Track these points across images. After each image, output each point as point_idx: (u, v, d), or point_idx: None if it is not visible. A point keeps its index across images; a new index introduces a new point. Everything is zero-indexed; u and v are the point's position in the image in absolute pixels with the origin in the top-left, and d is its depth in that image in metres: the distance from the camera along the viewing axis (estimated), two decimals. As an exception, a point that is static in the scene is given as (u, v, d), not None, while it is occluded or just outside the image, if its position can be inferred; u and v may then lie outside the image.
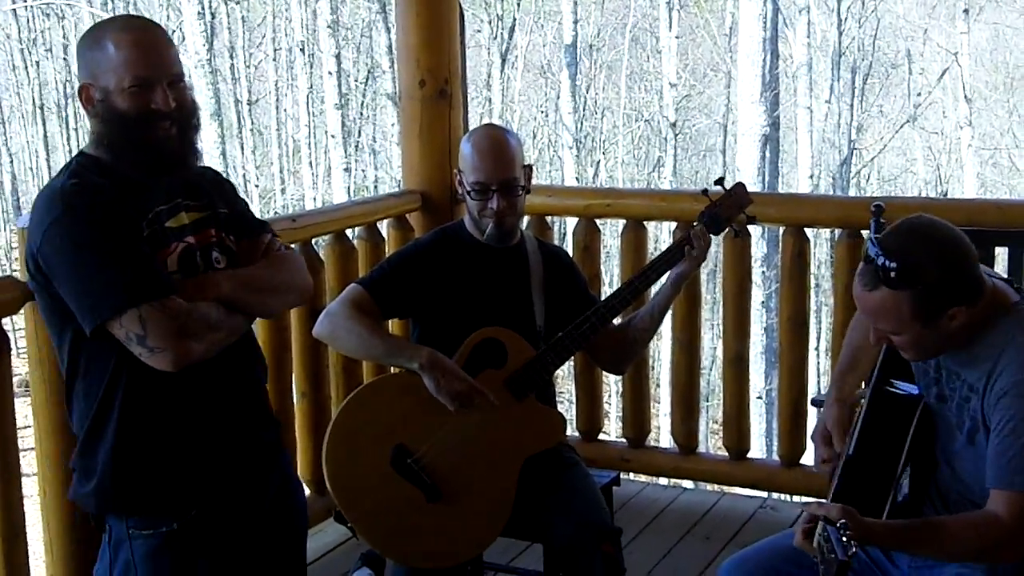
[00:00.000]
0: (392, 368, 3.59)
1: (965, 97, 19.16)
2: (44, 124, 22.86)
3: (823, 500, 2.40)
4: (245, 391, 2.61)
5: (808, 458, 4.40)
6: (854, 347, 2.85)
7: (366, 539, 3.08)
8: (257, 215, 2.81)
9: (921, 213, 2.41)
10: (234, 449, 2.55)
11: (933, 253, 2.33)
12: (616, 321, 3.32)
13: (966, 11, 19.00)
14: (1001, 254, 3.78)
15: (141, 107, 2.36)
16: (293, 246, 4.03)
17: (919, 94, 21.33)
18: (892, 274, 2.30)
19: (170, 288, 2.35)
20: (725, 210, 3.23)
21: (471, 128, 4.16)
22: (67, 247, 2.30)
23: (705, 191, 3.24)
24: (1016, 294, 2.48)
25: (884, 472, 2.50)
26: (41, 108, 22.82)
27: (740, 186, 3.28)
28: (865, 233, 3.96)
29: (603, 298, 3.25)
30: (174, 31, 20.45)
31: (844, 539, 2.12)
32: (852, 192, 19.51)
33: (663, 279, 3.26)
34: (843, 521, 2.17)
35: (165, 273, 2.38)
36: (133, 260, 2.32)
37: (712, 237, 3.22)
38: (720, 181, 3.26)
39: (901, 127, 21.44)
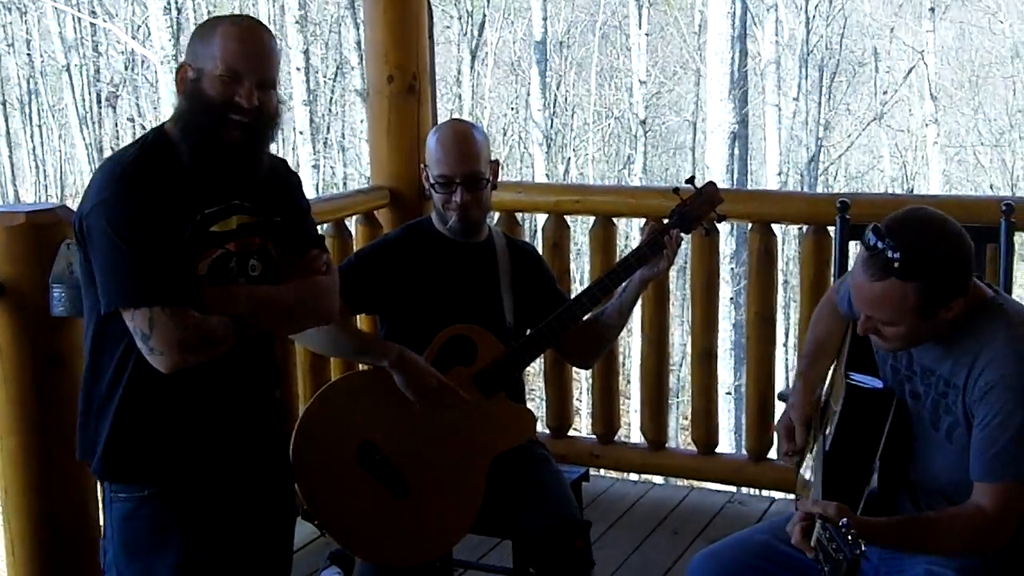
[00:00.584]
0: (360, 365, 3.58)
1: (931, 95, 19.30)
2: (7, 120, 22.62)
3: (818, 499, 2.38)
4: (249, 370, 2.62)
5: (775, 452, 4.43)
6: (818, 341, 2.85)
7: (333, 536, 3.08)
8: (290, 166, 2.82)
9: (919, 205, 2.41)
10: (227, 428, 2.57)
11: (942, 245, 2.33)
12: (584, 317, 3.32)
13: (932, 10, 19.14)
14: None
15: (225, 96, 2.43)
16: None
17: (885, 92, 21.45)
18: (898, 264, 2.29)
19: (188, 297, 2.38)
20: (696, 208, 3.23)
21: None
22: (107, 229, 2.35)
23: (676, 190, 3.24)
24: (989, 289, 2.49)
25: (860, 468, 2.51)
26: (3, 104, 22.59)
27: (711, 185, 3.28)
28: (831, 229, 3.98)
29: (573, 295, 3.25)
30: (139, 27, 20.38)
31: (850, 538, 2.10)
32: (820, 189, 19.59)
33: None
34: (845, 520, 2.15)
35: (191, 279, 2.41)
36: (162, 260, 2.36)
37: (682, 236, 3.23)
38: (691, 180, 3.27)
39: (868, 124, 21.55)
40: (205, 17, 20.96)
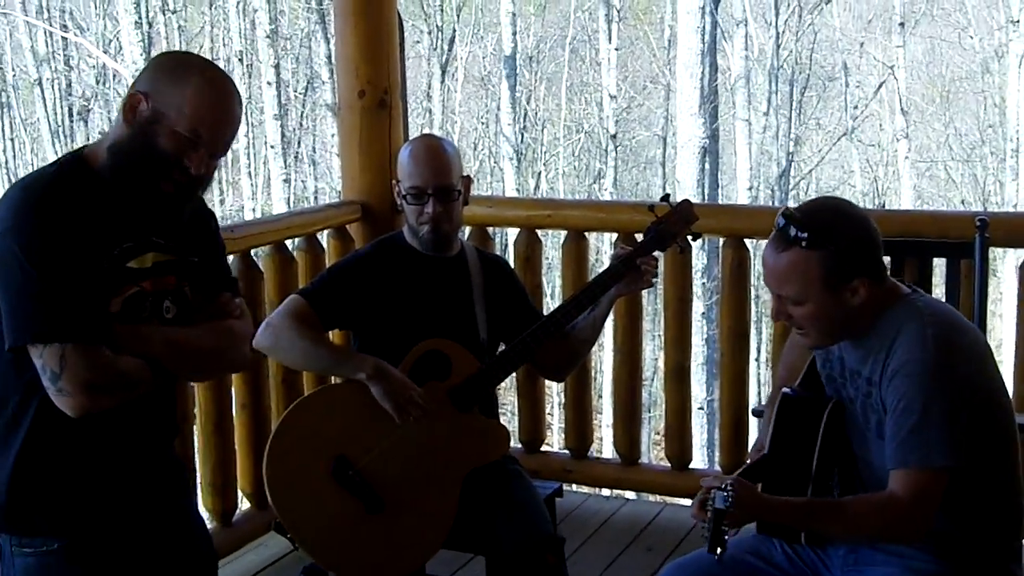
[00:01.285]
0: (334, 379, 3.55)
1: (902, 110, 19.43)
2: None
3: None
4: (149, 421, 2.51)
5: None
6: (787, 370, 2.89)
7: (306, 550, 3.05)
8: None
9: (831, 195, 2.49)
10: (129, 481, 2.45)
11: (843, 221, 2.44)
12: None
13: (902, 24, 19.30)
14: (939, 265, 3.81)
15: (177, 154, 2.29)
16: (252, 254, 3.98)
17: (856, 107, 21.60)
18: (800, 234, 2.38)
19: (102, 336, 2.26)
20: (671, 226, 3.23)
21: (411, 139, 4.14)
22: (18, 256, 2.21)
23: (651, 207, 3.24)
24: (908, 289, 2.55)
25: (798, 475, 2.54)
26: (-27, 116, 22.47)
27: (686, 203, 3.29)
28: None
29: (546, 310, 3.24)
30: (111, 41, 20.30)
31: (725, 492, 2.26)
32: (791, 204, 19.62)
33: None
34: (729, 482, 2.29)
35: (105, 317, 2.30)
36: (76, 295, 2.23)
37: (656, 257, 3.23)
38: (666, 198, 3.27)
39: (839, 139, 21.70)
40: (176, 31, 21.02)
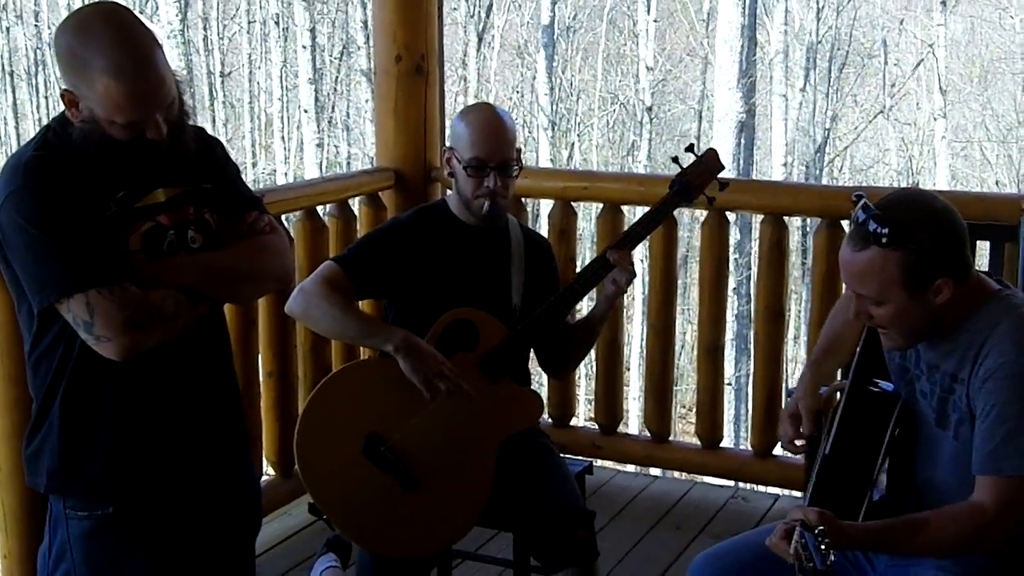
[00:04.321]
0: (363, 351, 3.51)
1: (940, 89, 19.21)
2: (14, 91, 22.55)
3: (803, 505, 2.35)
4: (204, 379, 2.50)
5: (780, 449, 4.37)
6: (834, 334, 2.80)
7: (343, 531, 3.02)
8: (210, 135, 2.66)
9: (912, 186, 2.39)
10: (185, 440, 2.44)
11: (926, 218, 2.31)
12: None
13: (943, 3, 19.06)
14: (983, 248, 3.73)
15: (132, 134, 2.26)
16: (283, 219, 3.93)
17: (893, 85, 21.37)
18: (879, 233, 2.26)
19: (124, 274, 2.25)
20: (696, 177, 3.15)
21: (446, 106, 4.08)
22: (20, 224, 2.21)
23: (676, 159, 3.17)
24: (996, 284, 2.44)
25: (861, 472, 2.46)
26: (11, 75, 22.51)
27: (711, 152, 3.19)
28: (845, 223, 3.91)
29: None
30: (147, 1, 20.27)
31: (823, 548, 2.08)
32: (825, 181, 19.53)
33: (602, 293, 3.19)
34: (821, 528, 2.13)
35: (123, 257, 2.28)
36: (86, 243, 2.22)
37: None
38: (690, 148, 3.18)
39: (875, 117, 21.49)
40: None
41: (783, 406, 4.32)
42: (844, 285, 2.67)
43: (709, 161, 3.17)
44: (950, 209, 2.34)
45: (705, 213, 4.39)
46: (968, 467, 2.35)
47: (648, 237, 3.28)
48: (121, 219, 2.30)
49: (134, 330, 2.23)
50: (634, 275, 3.09)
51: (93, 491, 2.39)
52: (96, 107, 2.23)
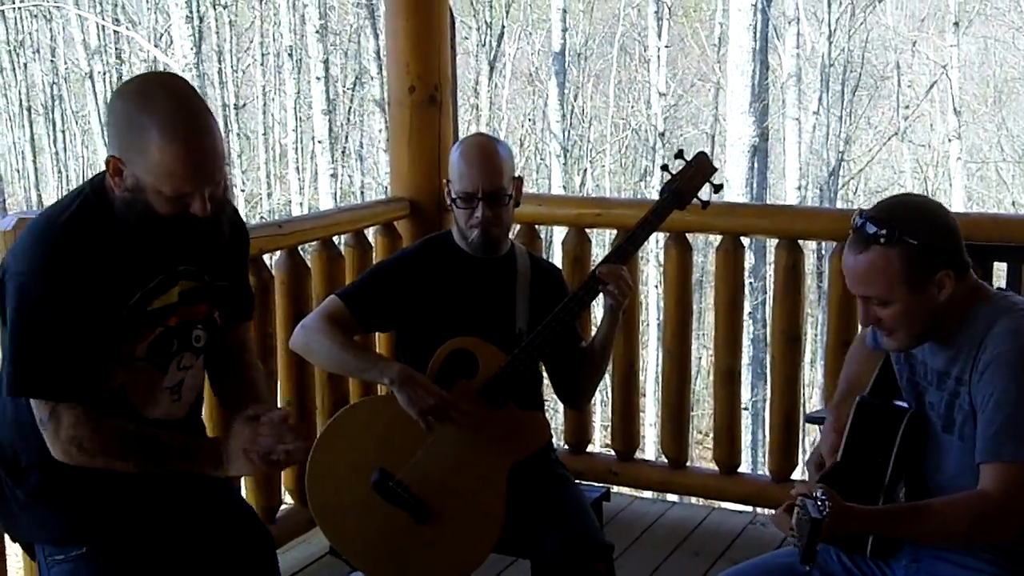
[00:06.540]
0: (378, 385, 3.52)
1: (954, 110, 19.19)
2: (31, 126, 22.72)
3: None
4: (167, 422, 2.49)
5: (798, 474, 4.35)
6: (853, 376, 2.82)
7: (364, 571, 3.04)
8: (243, 219, 2.69)
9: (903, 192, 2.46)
10: (150, 480, 2.42)
11: (921, 216, 2.40)
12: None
13: (956, 24, 19.05)
14: (1000, 270, 3.72)
15: (176, 212, 2.24)
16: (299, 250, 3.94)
17: (907, 107, 21.36)
18: (878, 232, 2.34)
19: (83, 392, 2.25)
20: (687, 183, 3.11)
21: (459, 135, 4.09)
22: (27, 302, 2.22)
23: (665, 167, 3.16)
24: (996, 289, 2.52)
25: (871, 483, 2.47)
26: (28, 110, 22.68)
27: (701, 155, 3.16)
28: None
29: (592, 314, 3.18)
30: (162, 35, 20.43)
31: (819, 503, 2.16)
32: (839, 204, 19.51)
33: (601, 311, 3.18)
34: (821, 490, 2.20)
35: (94, 372, 2.27)
36: (76, 353, 2.23)
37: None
38: (680, 154, 3.16)
39: (889, 139, 21.46)
40: (227, 26, 21.11)
41: (802, 435, 4.32)
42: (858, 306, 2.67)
43: (700, 165, 3.13)
44: (943, 207, 2.47)
45: (720, 238, 4.39)
46: (975, 467, 2.36)
47: (646, 251, 3.26)
48: (132, 325, 2.31)
49: (78, 452, 2.27)
50: (628, 287, 3.06)
51: (62, 534, 2.40)
52: (145, 175, 2.20)
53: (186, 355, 2.43)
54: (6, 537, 2.73)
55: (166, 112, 2.19)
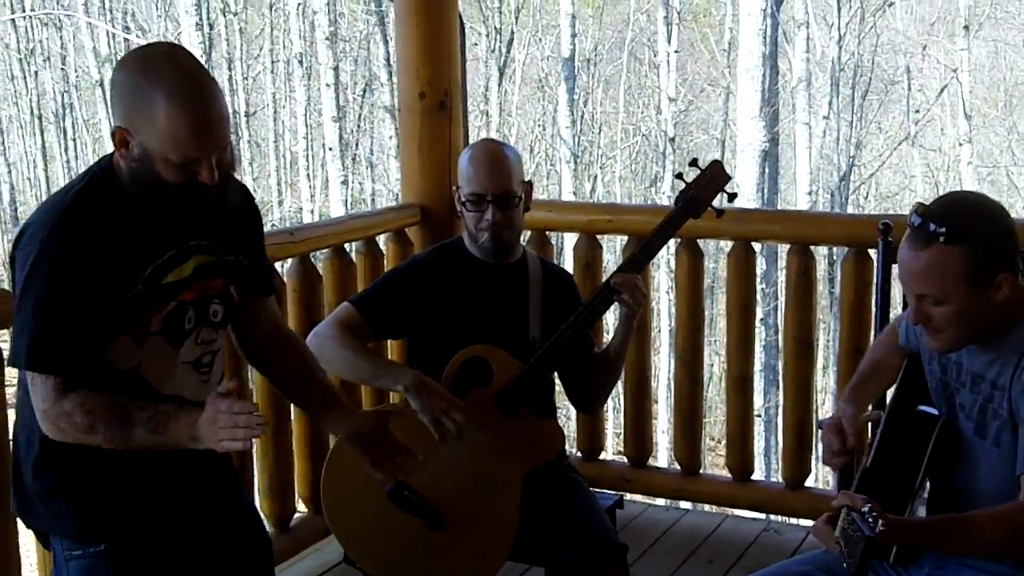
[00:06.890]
0: (392, 397, 3.52)
1: (965, 114, 19.15)
2: (42, 134, 22.79)
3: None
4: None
5: (812, 481, 4.33)
6: (875, 361, 2.82)
7: None
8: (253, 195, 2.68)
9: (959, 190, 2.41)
10: (168, 474, 2.43)
11: (983, 214, 2.35)
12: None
13: (966, 28, 19.01)
14: None
15: (184, 179, 2.24)
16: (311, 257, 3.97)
17: (918, 111, 21.31)
18: (941, 230, 2.28)
19: (69, 366, 2.24)
20: (701, 191, 3.10)
21: (470, 142, 4.09)
22: (26, 278, 2.23)
23: (679, 175, 3.15)
24: None
25: (901, 487, 2.46)
26: (39, 118, 22.75)
27: (716, 163, 3.15)
28: (872, 251, 3.89)
29: (605, 321, 3.18)
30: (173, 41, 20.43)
31: (870, 519, 2.10)
32: (850, 209, 19.47)
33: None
34: (869, 506, 2.15)
35: (87, 347, 2.26)
36: (66, 322, 2.22)
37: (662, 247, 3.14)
38: (694, 163, 3.15)
39: (899, 144, 21.42)
40: (237, 33, 21.14)
41: (816, 442, 4.29)
42: (903, 293, 2.64)
43: (714, 173, 3.13)
44: (1003, 208, 2.39)
45: (731, 243, 4.38)
46: (1009, 476, 2.34)
47: (657, 257, 3.25)
48: (146, 299, 2.31)
49: (50, 424, 2.26)
50: (643, 296, 3.06)
51: (82, 530, 2.40)
52: (152, 142, 2.21)
53: (204, 330, 2.42)
54: (20, 527, 2.72)
55: (172, 79, 2.20)
